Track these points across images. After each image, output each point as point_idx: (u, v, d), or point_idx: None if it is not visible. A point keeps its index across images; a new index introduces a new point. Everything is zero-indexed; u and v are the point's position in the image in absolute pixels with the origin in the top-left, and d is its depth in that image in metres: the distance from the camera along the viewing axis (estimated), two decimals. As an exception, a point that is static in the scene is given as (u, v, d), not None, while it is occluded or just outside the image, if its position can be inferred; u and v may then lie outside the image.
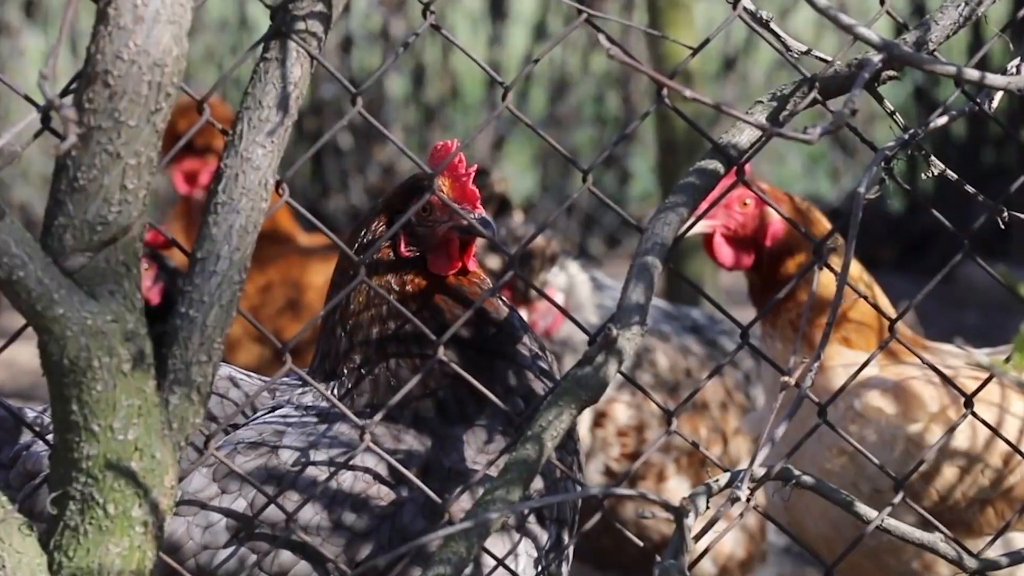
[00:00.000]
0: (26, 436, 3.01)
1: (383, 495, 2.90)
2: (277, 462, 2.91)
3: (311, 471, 2.90)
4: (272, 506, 2.85)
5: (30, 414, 3.06)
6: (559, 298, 4.75)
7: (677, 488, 4.71)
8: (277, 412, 3.01)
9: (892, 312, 3.87)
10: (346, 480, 2.89)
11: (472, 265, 3.05)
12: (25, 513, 2.67)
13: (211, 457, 2.82)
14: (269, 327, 5.67)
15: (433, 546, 2.80)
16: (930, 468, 3.66)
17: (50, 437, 2.80)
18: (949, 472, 3.72)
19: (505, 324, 3.02)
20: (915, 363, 3.81)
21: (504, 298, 3.08)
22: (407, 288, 3.02)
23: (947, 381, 3.20)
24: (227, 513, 2.89)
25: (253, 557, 2.87)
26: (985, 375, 3.31)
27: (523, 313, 4.72)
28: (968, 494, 3.71)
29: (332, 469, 2.89)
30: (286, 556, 2.87)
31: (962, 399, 3.32)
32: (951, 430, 3.20)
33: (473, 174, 3.01)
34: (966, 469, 3.72)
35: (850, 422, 3.77)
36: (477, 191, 3.01)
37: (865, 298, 3.09)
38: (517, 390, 2.99)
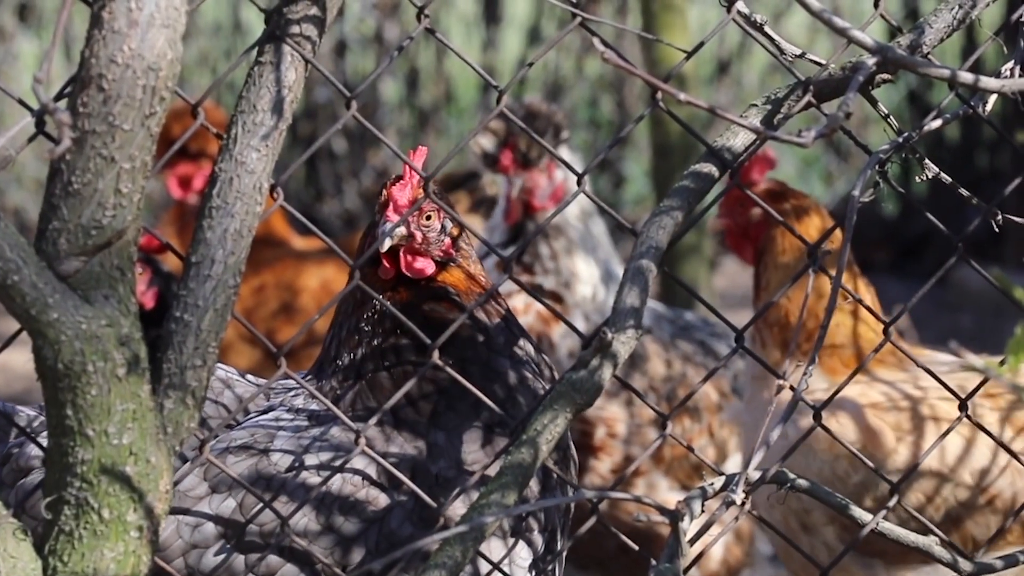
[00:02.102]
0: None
1: (371, 499, 2.90)
2: (267, 464, 2.91)
3: (301, 473, 2.90)
4: (258, 507, 2.85)
5: (29, 414, 3.06)
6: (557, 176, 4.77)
7: (656, 484, 4.71)
8: (269, 414, 3.01)
9: (877, 323, 3.89)
10: (335, 483, 2.89)
11: (423, 271, 3.03)
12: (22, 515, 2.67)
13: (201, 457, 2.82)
14: (262, 329, 5.67)
15: (426, 550, 2.80)
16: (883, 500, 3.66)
17: (41, 438, 2.80)
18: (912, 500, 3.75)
19: (499, 329, 3.02)
20: (877, 383, 3.81)
21: (500, 302, 3.08)
22: (398, 295, 3.03)
23: (944, 386, 3.20)
24: (217, 513, 2.88)
25: (242, 558, 2.87)
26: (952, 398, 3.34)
27: (521, 180, 4.74)
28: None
29: (322, 472, 2.89)
30: (273, 558, 2.87)
31: (918, 424, 3.35)
32: (943, 436, 3.19)
33: (413, 182, 3.00)
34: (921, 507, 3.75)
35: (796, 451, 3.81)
36: (394, 198, 3.00)
37: (860, 301, 3.08)
38: (511, 394, 2.99)
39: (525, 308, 4.68)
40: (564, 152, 4.79)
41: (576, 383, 2.73)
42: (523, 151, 4.76)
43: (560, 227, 4.76)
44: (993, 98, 2.99)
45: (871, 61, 2.74)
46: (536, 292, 2.96)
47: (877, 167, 2.93)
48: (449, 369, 2.86)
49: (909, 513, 3.16)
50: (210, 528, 2.89)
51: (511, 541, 2.94)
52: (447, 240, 3.04)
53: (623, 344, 2.73)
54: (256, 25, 10.58)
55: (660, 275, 2.84)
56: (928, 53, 2.93)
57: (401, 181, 3.02)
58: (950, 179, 3.05)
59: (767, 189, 4.11)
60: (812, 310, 3.92)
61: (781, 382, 2.80)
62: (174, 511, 2.85)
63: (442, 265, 3.05)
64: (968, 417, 3.15)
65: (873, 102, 2.96)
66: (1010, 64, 2.97)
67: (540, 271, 4.75)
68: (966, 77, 2.71)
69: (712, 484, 2.82)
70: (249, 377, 3.11)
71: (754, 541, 4.92)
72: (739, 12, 2.90)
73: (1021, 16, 3.00)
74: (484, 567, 2.89)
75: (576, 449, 3.11)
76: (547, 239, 4.74)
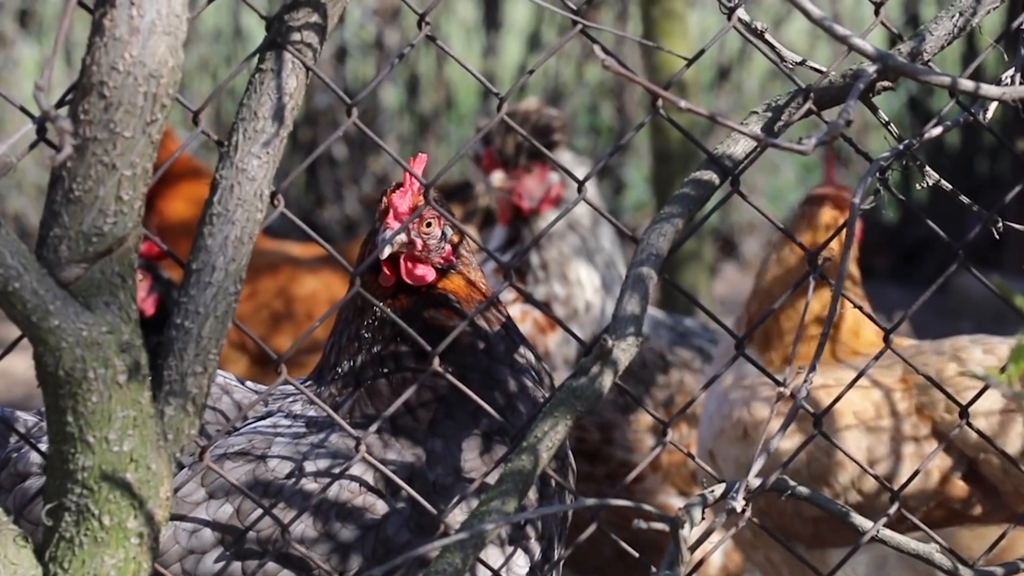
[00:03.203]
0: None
1: (368, 505, 2.90)
2: (264, 470, 2.91)
3: (299, 480, 2.90)
4: (257, 513, 2.85)
5: (29, 420, 3.06)
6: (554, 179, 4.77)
7: (654, 490, 4.71)
8: (267, 420, 3.01)
9: (853, 337, 3.99)
10: (332, 490, 2.89)
11: (423, 278, 3.04)
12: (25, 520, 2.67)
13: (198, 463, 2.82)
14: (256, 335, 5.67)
15: (425, 557, 2.80)
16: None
17: (41, 444, 2.80)
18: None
19: (499, 336, 3.02)
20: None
21: (500, 309, 3.08)
22: (399, 302, 3.03)
23: (946, 394, 3.20)
24: (214, 519, 2.89)
25: (239, 564, 2.87)
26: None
27: (497, 179, 4.74)
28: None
29: (320, 478, 2.89)
30: (271, 564, 2.87)
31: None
32: (945, 443, 3.19)
33: (413, 189, 3.00)
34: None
35: (734, 438, 3.94)
36: (394, 205, 3.00)
37: (860, 308, 3.08)
38: (511, 402, 2.99)
39: (522, 316, 4.68)
40: (566, 156, 4.78)
41: (577, 390, 2.72)
42: (500, 150, 4.75)
43: (560, 235, 4.75)
44: (993, 105, 2.99)
45: (871, 68, 2.74)
46: (533, 300, 2.95)
47: (878, 174, 2.93)
48: (449, 376, 2.85)
49: (912, 522, 3.16)
50: (207, 534, 2.89)
51: (509, 549, 2.94)
52: (447, 247, 3.04)
53: (624, 351, 2.73)
54: (257, 31, 10.58)
55: (660, 281, 2.84)
56: (929, 60, 2.93)
57: (401, 188, 3.02)
58: (950, 186, 3.05)
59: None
60: (789, 318, 4.02)
61: (781, 389, 2.79)
62: (172, 517, 2.85)
63: (442, 272, 3.05)
64: (969, 425, 3.15)
65: (874, 109, 2.96)
66: (1011, 71, 2.97)
67: (531, 281, 4.75)
68: (967, 85, 2.71)
69: (712, 491, 2.82)
70: (248, 383, 3.11)
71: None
72: (739, 19, 2.90)
73: (1022, 24, 3.00)
74: (481, 574, 2.89)
75: (573, 455, 3.11)
76: (538, 249, 4.73)
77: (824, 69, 2.94)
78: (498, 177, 4.75)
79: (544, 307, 2.93)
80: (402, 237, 2.99)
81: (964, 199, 3.04)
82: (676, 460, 4.70)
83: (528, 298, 2.94)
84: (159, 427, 2.60)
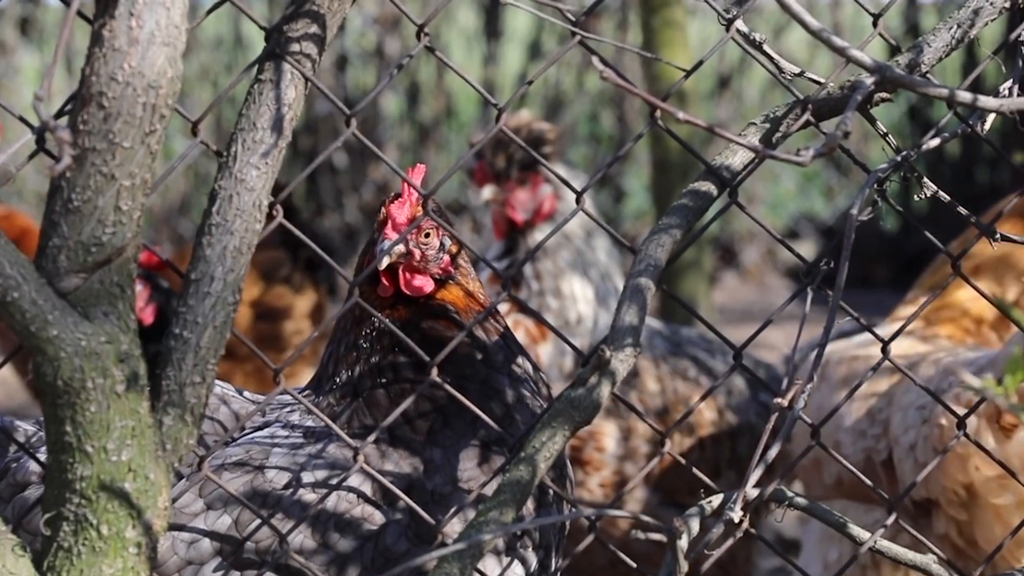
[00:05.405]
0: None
1: (367, 515, 2.90)
2: (262, 481, 2.91)
3: (296, 490, 2.90)
4: (255, 524, 2.85)
5: (28, 430, 3.06)
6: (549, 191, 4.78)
7: (647, 500, 4.71)
8: (264, 430, 3.01)
9: None
10: (330, 500, 2.89)
11: (422, 288, 3.04)
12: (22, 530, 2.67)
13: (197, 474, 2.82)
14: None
15: (423, 567, 2.80)
16: None
17: (40, 454, 2.80)
18: None
19: (498, 346, 3.03)
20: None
21: (498, 320, 3.08)
22: (397, 312, 3.03)
23: (943, 404, 3.20)
24: (212, 529, 2.89)
25: (237, 574, 2.87)
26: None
27: (489, 192, 4.75)
28: None
29: (318, 489, 2.89)
30: (269, 574, 2.87)
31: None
32: (944, 451, 3.19)
33: (412, 200, 3.01)
34: None
35: None
36: (392, 215, 3.01)
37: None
38: (508, 412, 2.99)
39: (515, 325, 4.68)
40: (558, 168, 4.78)
41: (575, 401, 2.73)
42: (491, 163, 4.76)
43: (554, 247, 4.75)
44: (991, 117, 3.00)
45: (870, 80, 2.74)
46: (530, 311, 2.95)
47: (876, 185, 2.93)
48: (447, 386, 2.86)
49: (907, 531, 3.16)
50: (206, 544, 2.89)
51: (506, 559, 2.94)
52: (446, 257, 3.05)
53: (621, 362, 2.73)
54: (257, 39, 10.59)
55: (659, 291, 2.84)
56: (927, 72, 2.94)
57: (400, 199, 3.02)
58: (948, 197, 3.05)
59: None
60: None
61: (778, 400, 2.79)
62: (170, 527, 2.86)
63: (441, 283, 3.05)
64: (967, 435, 3.16)
65: (872, 121, 2.97)
66: (1008, 83, 2.98)
67: (523, 291, 4.75)
68: (964, 96, 2.72)
69: (710, 502, 2.83)
70: (246, 393, 3.11)
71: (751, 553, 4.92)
72: (738, 31, 2.90)
73: (1020, 35, 3.00)
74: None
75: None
76: (532, 260, 4.73)
77: (823, 80, 2.95)
78: (489, 190, 4.76)
79: (541, 317, 2.93)
80: (400, 248, 3.00)
81: (962, 210, 3.04)
82: (668, 469, 4.70)
83: (525, 308, 2.94)
84: (158, 437, 2.60)
